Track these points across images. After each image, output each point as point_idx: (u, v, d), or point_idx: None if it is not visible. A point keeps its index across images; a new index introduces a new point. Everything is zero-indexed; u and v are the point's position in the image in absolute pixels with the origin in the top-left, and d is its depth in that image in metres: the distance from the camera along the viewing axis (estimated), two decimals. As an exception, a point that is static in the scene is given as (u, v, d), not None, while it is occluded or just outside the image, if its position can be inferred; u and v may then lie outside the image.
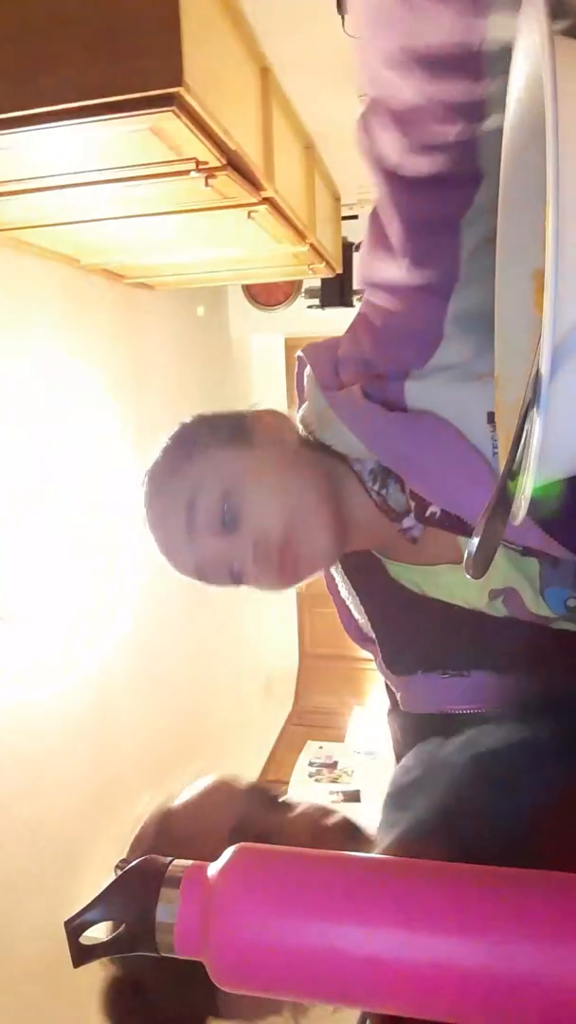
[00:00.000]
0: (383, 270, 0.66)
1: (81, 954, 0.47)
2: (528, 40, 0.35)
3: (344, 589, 0.84)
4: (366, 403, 0.69)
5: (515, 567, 0.70)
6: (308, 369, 0.78)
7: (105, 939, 0.47)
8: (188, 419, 0.82)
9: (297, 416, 0.82)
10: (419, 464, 0.69)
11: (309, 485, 0.74)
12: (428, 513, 0.71)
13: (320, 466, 0.76)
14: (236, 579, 0.75)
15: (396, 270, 0.63)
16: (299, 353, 0.81)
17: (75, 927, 0.47)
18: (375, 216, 0.64)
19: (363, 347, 0.74)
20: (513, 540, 0.68)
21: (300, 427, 0.80)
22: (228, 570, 0.74)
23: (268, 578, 0.74)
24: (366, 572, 0.81)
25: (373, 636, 0.82)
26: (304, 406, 0.81)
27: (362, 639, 0.86)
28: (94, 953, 0.47)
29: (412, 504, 0.72)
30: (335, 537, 0.74)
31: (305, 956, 0.43)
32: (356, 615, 0.84)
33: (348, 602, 0.85)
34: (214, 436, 0.76)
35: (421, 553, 0.75)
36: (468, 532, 0.70)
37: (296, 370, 0.84)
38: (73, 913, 0.48)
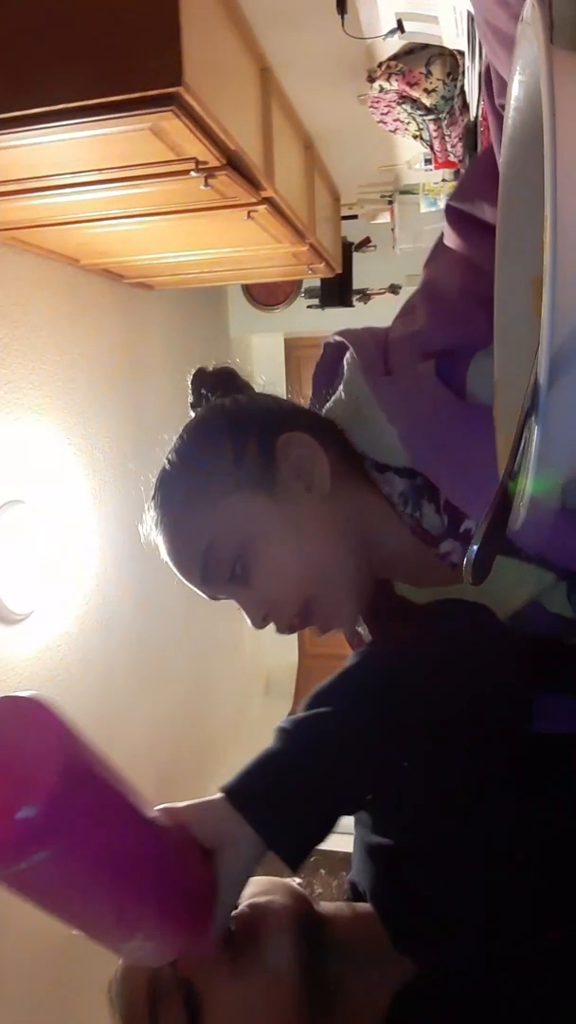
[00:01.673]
0: (485, 208, 0.61)
1: None
2: (527, 51, 0.35)
3: None
4: (437, 385, 0.62)
5: (542, 580, 0.68)
6: (349, 355, 0.71)
7: None
8: (211, 416, 0.74)
9: (324, 413, 0.75)
10: (464, 467, 0.61)
11: (335, 536, 0.68)
12: (463, 528, 0.66)
13: (349, 506, 0.70)
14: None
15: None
16: (333, 338, 0.74)
17: None
18: (489, 151, 0.60)
19: (420, 321, 0.68)
20: (554, 560, 0.64)
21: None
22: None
23: (278, 630, 0.72)
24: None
25: None
26: (333, 399, 0.74)
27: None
28: None
29: (445, 519, 0.66)
30: (359, 604, 0.70)
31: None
32: (358, 627, 0.81)
33: None
34: (236, 473, 0.69)
35: (436, 575, 0.71)
36: (507, 549, 0.64)
37: (322, 357, 0.76)
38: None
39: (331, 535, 0.69)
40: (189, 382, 0.80)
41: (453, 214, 0.70)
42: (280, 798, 0.54)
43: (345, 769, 0.55)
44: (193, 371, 0.80)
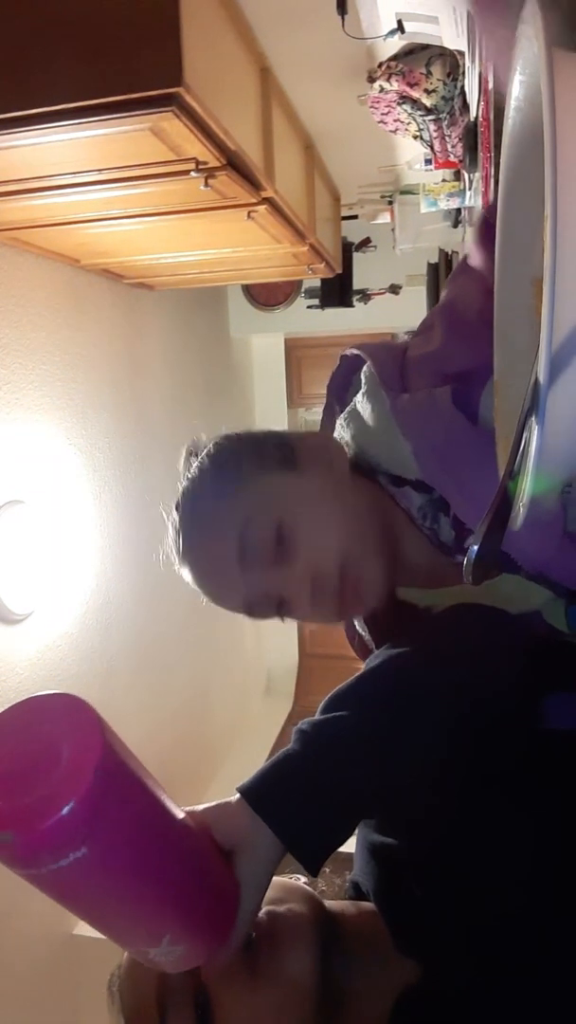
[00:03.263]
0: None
1: None
2: (527, 51, 0.35)
3: None
4: (452, 411, 0.64)
5: (545, 594, 0.69)
6: (368, 368, 0.73)
7: None
8: (224, 439, 0.75)
9: (339, 422, 0.76)
10: (473, 490, 0.63)
11: (362, 512, 0.70)
12: (466, 545, 0.66)
13: (369, 494, 0.72)
14: (282, 612, 0.70)
15: None
16: (350, 351, 0.75)
17: None
18: None
19: (437, 340, 0.69)
20: (557, 581, 0.66)
21: (343, 440, 0.75)
22: (276, 603, 0.70)
23: (325, 611, 0.70)
24: None
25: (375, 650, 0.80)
26: (346, 412, 0.75)
27: (365, 653, 0.82)
28: None
29: (453, 533, 0.68)
30: (390, 564, 0.70)
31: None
32: (359, 630, 0.82)
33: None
34: (260, 460, 0.71)
35: (447, 580, 0.72)
36: (510, 567, 0.65)
37: (337, 369, 0.78)
38: None
39: (358, 508, 0.70)
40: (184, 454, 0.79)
41: (486, 233, 0.70)
42: (299, 799, 0.54)
43: (364, 772, 0.55)
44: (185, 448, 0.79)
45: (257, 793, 0.54)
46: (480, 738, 0.59)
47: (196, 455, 0.76)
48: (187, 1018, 0.56)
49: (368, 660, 0.67)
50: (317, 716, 0.59)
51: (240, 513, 0.68)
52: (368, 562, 0.68)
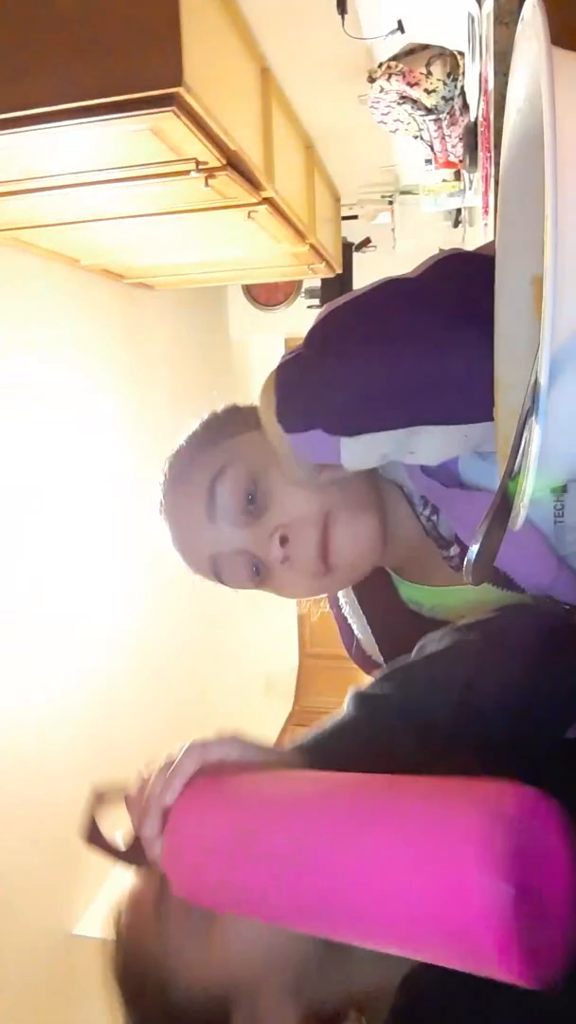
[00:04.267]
0: None
1: (91, 835, 0.55)
2: (527, 52, 0.36)
3: (348, 607, 0.79)
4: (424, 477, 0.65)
5: None
6: None
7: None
8: (223, 407, 0.74)
9: None
10: (468, 518, 0.63)
11: (346, 481, 0.64)
12: (455, 535, 0.68)
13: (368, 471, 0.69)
14: (256, 577, 0.66)
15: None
16: None
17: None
18: None
19: None
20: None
21: None
22: (248, 567, 0.65)
23: (300, 575, 0.65)
24: (374, 591, 0.76)
25: (376, 658, 0.78)
26: None
27: (364, 661, 0.80)
28: (99, 843, 0.55)
29: (457, 548, 0.68)
30: (380, 527, 0.66)
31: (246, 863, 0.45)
32: (359, 633, 0.79)
33: (351, 620, 0.79)
34: (244, 421, 0.68)
35: (443, 574, 0.71)
36: (512, 585, 0.65)
37: None
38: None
39: (343, 477, 0.66)
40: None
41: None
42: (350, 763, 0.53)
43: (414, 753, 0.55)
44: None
45: (312, 751, 0.56)
46: (526, 739, 0.60)
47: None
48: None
49: (429, 640, 0.63)
50: (375, 689, 0.60)
51: (213, 465, 0.65)
52: (344, 526, 0.64)
